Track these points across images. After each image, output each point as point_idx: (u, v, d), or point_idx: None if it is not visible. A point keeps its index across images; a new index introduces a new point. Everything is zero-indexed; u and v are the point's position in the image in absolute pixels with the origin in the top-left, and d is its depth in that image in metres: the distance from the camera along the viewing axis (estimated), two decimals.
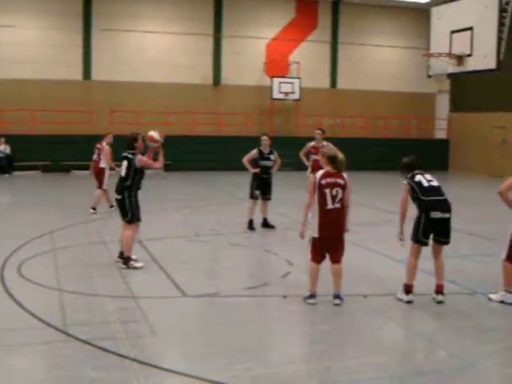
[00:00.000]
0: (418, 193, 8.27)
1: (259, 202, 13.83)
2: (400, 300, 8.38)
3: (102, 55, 28.76)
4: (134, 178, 9.96)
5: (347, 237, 8.35)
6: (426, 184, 8.34)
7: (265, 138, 13.82)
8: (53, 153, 26.56)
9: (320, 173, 8.19)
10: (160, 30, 29.55)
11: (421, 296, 8.43)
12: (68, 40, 28.34)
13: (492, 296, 8.52)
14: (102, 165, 15.90)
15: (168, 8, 29.76)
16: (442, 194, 8.37)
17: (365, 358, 6.51)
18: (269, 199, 13.91)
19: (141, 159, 9.98)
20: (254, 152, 13.71)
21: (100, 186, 15.78)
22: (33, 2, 27.90)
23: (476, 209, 18.16)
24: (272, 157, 13.79)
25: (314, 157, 14.39)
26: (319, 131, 14.89)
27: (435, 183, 8.40)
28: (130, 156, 10.00)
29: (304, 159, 14.94)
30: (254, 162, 13.69)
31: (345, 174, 8.21)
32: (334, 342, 7.03)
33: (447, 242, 8.45)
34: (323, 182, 8.06)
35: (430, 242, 8.40)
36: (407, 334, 7.56)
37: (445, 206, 8.30)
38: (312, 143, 14.72)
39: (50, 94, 27.61)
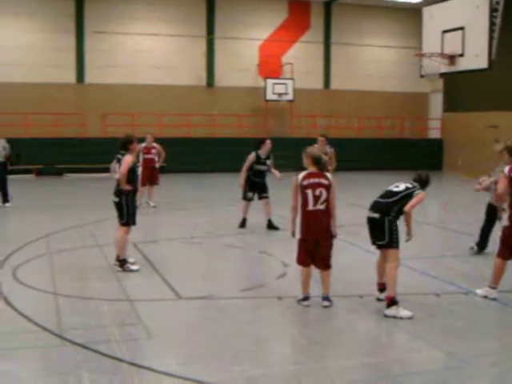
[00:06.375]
0: None
1: (261, 203, 13.92)
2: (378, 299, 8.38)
3: (95, 58, 28.72)
4: (127, 180, 9.76)
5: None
6: (388, 188, 8.22)
7: (268, 141, 13.81)
8: (46, 156, 26.48)
9: (302, 174, 8.11)
10: (153, 32, 29.49)
11: (414, 296, 8.44)
12: (61, 43, 28.26)
13: (478, 291, 8.74)
14: (157, 164, 17.60)
15: (160, 10, 29.74)
16: (384, 197, 8.09)
17: (360, 358, 6.53)
18: (266, 197, 13.89)
19: (126, 159, 9.72)
20: (252, 156, 13.68)
21: (154, 182, 17.34)
22: (25, 5, 27.80)
23: (472, 208, 18.15)
24: (268, 162, 13.80)
25: None
26: (323, 138, 14.83)
27: (396, 189, 8.07)
28: (120, 157, 9.85)
29: None
30: (250, 166, 13.68)
31: (328, 175, 8.14)
32: (329, 343, 7.04)
33: (379, 245, 8.13)
34: (305, 182, 8.01)
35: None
36: (402, 334, 7.55)
37: (375, 206, 8.09)
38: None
39: (44, 97, 27.51)
